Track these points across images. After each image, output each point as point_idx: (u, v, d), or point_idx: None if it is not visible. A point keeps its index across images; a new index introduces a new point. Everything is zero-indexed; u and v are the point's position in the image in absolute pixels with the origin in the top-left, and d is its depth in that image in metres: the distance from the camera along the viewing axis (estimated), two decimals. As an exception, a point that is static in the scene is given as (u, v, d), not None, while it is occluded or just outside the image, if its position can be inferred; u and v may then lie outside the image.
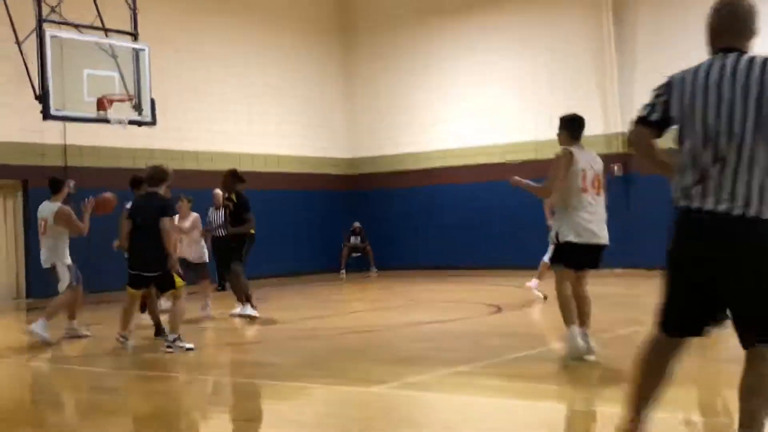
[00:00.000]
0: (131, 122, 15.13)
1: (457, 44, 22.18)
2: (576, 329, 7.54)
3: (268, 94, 21.88)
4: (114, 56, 15.02)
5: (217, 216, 16.50)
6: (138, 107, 15.17)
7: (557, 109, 20.26)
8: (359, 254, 22.85)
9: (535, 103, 20.93)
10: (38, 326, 10.18)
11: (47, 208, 10.61)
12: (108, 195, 10.88)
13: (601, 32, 19.95)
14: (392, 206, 23.18)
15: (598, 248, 7.73)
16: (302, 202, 22.11)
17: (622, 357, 6.96)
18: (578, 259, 7.68)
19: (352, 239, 22.75)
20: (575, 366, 7.51)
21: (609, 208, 7.96)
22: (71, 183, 17.65)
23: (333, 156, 23.62)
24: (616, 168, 19.08)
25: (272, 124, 21.83)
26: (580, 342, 7.50)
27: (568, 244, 7.60)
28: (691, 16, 19.14)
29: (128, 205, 10.23)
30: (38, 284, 15.40)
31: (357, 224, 22.79)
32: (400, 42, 23.11)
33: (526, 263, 19.99)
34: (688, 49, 18.41)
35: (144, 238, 9.51)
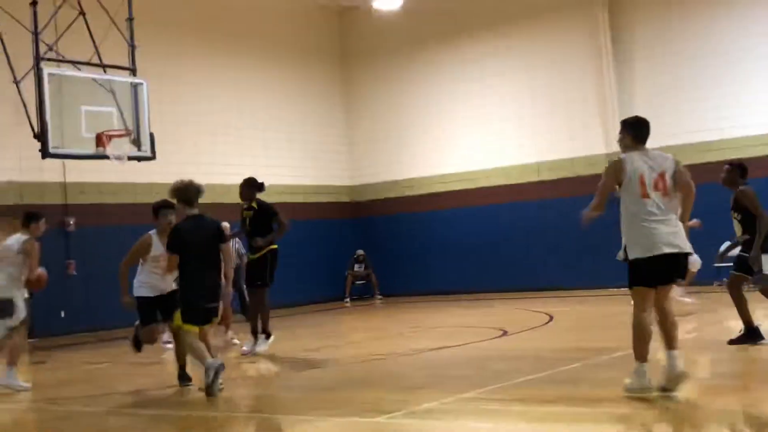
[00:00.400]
0: (131, 157, 15.09)
1: (457, 69, 22.20)
2: (646, 367, 6.80)
3: (267, 124, 21.87)
4: (112, 92, 15.01)
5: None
6: (137, 142, 15.15)
7: (557, 130, 20.74)
8: (363, 281, 22.81)
9: (535, 125, 20.92)
10: (7, 380, 9.88)
11: (15, 238, 10.17)
12: (43, 274, 10.29)
13: (599, 53, 19.90)
14: (395, 232, 23.12)
15: (675, 257, 6.87)
16: (304, 230, 22.01)
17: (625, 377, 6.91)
18: (654, 275, 6.87)
19: (356, 267, 22.71)
20: (582, 388, 7.43)
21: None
22: (71, 221, 17.64)
23: (334, 183, 23.59)
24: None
25: (272, 154, 21.81)
26: (648, 381, 6.79)
27: (638, 260, 6.87)
28: (689, 35, 19.24)
29: (151, 231, 9.65)
30: (41, 324, 15.28)
31: (360, 252, 22.77)
32: (400, 68, 23.15)
33: (530, 286, 20.06)
34: (686, 68, 18.88)
35: (203, 266, 8.80)
